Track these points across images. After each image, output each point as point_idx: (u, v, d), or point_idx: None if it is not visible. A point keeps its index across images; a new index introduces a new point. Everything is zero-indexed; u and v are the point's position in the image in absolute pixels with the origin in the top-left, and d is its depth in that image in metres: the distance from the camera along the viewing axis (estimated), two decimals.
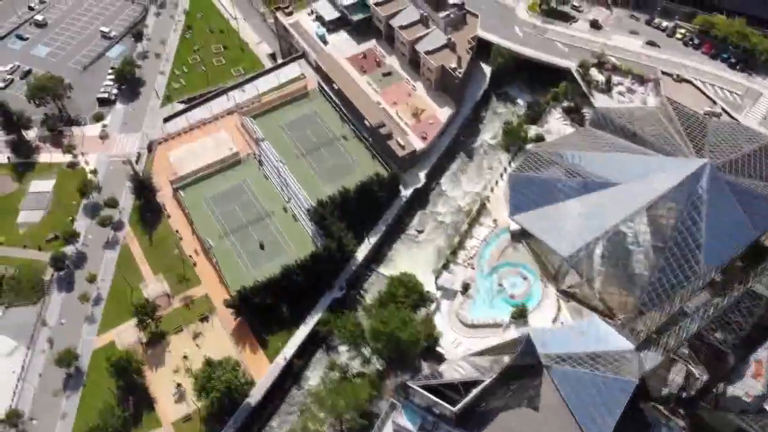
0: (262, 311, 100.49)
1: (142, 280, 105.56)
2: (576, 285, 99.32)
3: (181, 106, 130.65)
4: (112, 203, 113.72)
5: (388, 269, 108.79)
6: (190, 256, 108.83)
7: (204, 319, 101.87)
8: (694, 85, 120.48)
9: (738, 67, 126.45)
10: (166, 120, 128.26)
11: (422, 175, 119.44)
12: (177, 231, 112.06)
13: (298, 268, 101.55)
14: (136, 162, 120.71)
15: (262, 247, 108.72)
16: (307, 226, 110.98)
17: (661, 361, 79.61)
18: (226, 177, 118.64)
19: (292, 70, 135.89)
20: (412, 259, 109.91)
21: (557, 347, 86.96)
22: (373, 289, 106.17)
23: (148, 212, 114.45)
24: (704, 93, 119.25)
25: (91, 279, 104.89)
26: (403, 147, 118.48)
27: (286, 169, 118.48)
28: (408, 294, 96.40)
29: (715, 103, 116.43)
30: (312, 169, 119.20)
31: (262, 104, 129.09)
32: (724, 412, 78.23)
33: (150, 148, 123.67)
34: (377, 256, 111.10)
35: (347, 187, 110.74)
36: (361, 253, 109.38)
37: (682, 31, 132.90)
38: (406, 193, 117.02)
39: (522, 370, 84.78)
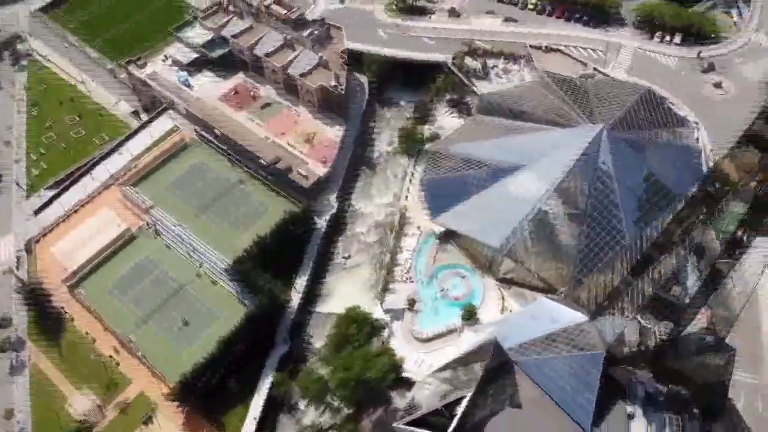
0: (210, 392, 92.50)
1: (65, 399, 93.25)
2: (512, 270, 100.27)
3: (51, 193, 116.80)
4: (4, 323, 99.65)
5: (328, 306, 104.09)
6: (110, 356, 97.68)
7: (147, 420, 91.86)
8: (561, 51, 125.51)
9: (592, 24, 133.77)
10: (37, 212, 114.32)
11: (333, 200, 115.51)
12: (87, 333, 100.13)
13: (235, 335, 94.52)
14: (17, 268, 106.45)
15: (186, 323, 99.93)
16: (230, 287, 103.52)
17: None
18: (124, 258, 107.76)
19: (163, 124, 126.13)
20: (349, 288, 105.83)
21: (517, 338, 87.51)
22: (319, 333, 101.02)
23: (48, 321, 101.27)
24: (572, 57, 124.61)
25: (8, 415, 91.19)
26: (306, 177, 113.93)
27: (187, 232, 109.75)
28: (360, 328, 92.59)
29: (585, 64, 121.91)
30: (216, 224, 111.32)
31: (140, 169, 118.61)
32: (686, 355, 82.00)
33: (28, 249, 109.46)
34: (312, 296, 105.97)
35: (260, 233, 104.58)
36: (295, 297, 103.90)
37: (533, 1, 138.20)
38: (322, 222, 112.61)
39: (494, 372, 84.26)
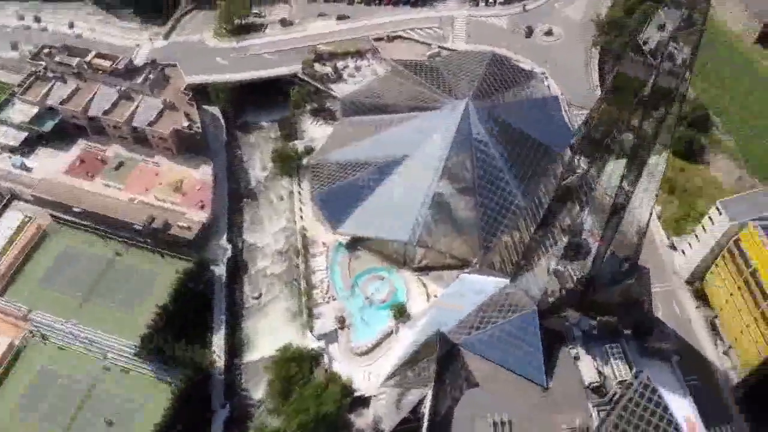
0: None
1: None
2: (425, 257, 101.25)
3: None
4: None
5: (256, 352, 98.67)
6: None
7: None
8: (403, 37, 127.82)
9: (420, 3, 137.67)
10: None
11: (224, 242, 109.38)
12: None
13: (169, 418, 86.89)
14: None
15: (110, 423, 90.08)
16: (145, 369, 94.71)
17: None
18: (18, 375, 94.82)
19: (11, 218, 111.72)
20: (271, 327, 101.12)
21: (451, 320, 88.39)
22: (255, 384, 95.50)
23: None
24: (415, 40, 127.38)
25: None
26: (188, 228, 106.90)
27: (78, 326, 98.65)
28: (299, 365, 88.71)
29: (429, 45, 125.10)
30: (107, 308, 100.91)
31: (1, 275, 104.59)
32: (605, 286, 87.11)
33: None
34: (235, 348, 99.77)
35: (159, 303, 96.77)
36: (219, 356, 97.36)
37: None
38: (220, 270, 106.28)
39: (443, 360, 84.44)
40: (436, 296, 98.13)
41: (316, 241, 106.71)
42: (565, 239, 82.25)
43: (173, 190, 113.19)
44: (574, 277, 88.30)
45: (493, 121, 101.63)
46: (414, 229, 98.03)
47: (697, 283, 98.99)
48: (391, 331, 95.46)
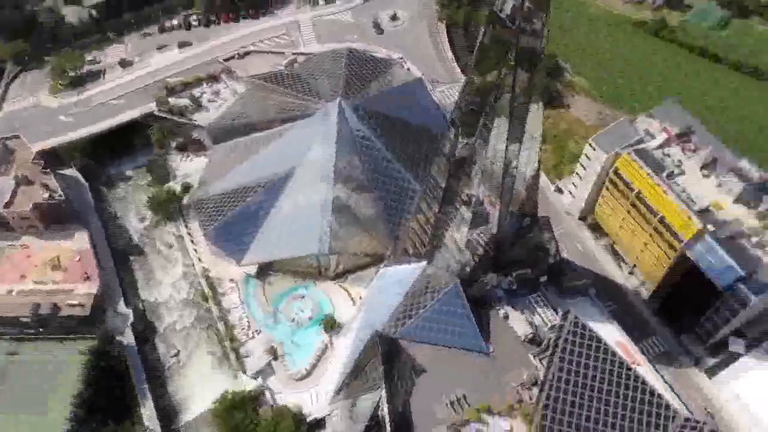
0: None
1: None
2: (340, 263, 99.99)
3: None
4: None
5: (192, 410, 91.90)
6: None
7: None
8: (254, 51, 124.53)
9: (260, 14, 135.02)
10: None
11: (123, 308, 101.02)
12: None
13: None
14: None
15: None
16: None
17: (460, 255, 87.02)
18: None
19: None
20: (200, 382, 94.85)
21: (384, 317, 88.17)
22: None
23: None
24: (267, 51, 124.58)
25: None
26: (81, 305, 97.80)
27: None
28: (243, 411, 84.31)
29: (284, 53, 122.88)
30: (15, 415, 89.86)
31: None
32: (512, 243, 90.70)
33: None
34: (168, 414, 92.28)
35: (72, 393, 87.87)
36: (151, 428, 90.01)
37: (195, 18, 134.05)
38: (127, 338, 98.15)
39: (387, 359, 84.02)
40: (360, 298, 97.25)
41: (222, 279, 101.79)
42: (468, 211, 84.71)
43: (51, 269, 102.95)
44: (483, 244, 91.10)
45: (368, 115, 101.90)
46: (321, 239, 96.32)
47: (589, 218, 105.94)
48: (327, 346, 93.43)
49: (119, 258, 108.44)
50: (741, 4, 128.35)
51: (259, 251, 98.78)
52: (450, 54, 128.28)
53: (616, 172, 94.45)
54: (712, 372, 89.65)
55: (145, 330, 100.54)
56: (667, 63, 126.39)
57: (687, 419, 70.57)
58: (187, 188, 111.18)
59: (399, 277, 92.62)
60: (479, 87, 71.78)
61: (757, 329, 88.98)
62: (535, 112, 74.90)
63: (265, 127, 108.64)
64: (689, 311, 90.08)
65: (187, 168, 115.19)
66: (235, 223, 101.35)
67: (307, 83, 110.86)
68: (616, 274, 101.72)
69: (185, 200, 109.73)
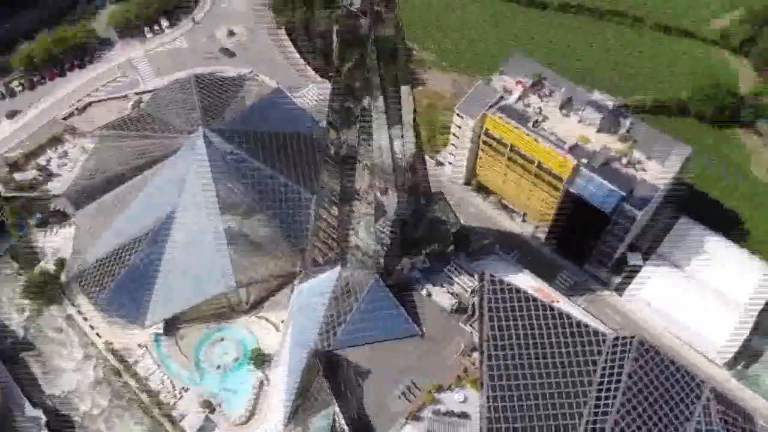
0: None
1: None
2: (252, 291, 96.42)
3: None
4: None
5: None
6: None
7: None
8: (95, 102, 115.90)
9: (86, 62, 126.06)
10: None
11: (31, 411, 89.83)
12: None
13: None
14: None
15: None
16: None
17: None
18: None
19: None
20: None
21: (313, 333, 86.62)
22: None
23: None
24: (109, 98, 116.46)
25: None
26: None
27: None
28: None
29: (126, 96, 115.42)
30: None
31: None
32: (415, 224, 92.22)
33: None
34: None
35: None
36: None
37: (16, 83, 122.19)
38: None
39: (330, 373, 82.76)
40: (282, 322, 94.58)
41: (130, 348, 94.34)
42: (365, 205, 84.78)
43: None
44: (387, 232, 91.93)
45: (237, 136, 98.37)
46: (225, 276, 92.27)
47: (473, 182, 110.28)
48: (262, 382, 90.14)
49: (8, 358, 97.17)
50: None
51: (160, 308, 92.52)
52: (298, 57, 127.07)
53: (486, 133, 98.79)
54: (620, 289, 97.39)
55: (63, 426, 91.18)
56: (501, 19, 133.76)
57: (615, 338, 76.00)
58: (61, 264, 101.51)
59: (317, 289, 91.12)
60: (347, 86, 71.58)
61: (647, 239, 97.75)
62: (405, 94, 76.03)
63: (130, 176, 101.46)
64: (585, 240, 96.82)
65: (55, 243, 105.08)
66: (126, 285, 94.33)
67: (161, 121, 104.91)
68: (512, 225, 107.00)
69: (63, 277, 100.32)
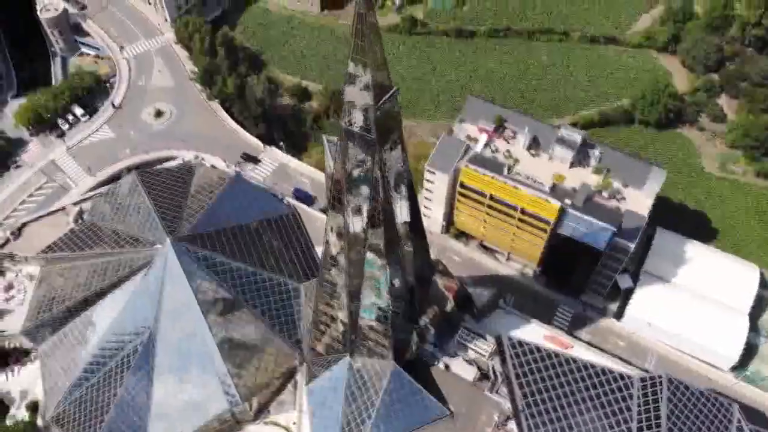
0: None
1: None
2: (255, 400, 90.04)
3: None
4: None
5: None
6: None
7: None
8: (27, 222, 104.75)
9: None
10: None
11: None
12: None
13: None
14: None
15: None
16: None
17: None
18: None
19: None
20: None
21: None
22: None
23: None
24: (45, 214, 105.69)
25: None
26: None
27: None
28: None
29: (64, 209, 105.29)
30: None
31: None
32: None
33: None
34: None
35: None
36: None
37: None
38: None
39: None
40: (294, 423, 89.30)
41: None
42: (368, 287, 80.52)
43: None
44: (392, 309, 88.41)
45: (208, 239, 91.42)
46: (228, 392, 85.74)
47: (451, 229, 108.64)
48: None
49: None
50: None
51: None
52: (237, 127, 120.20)
53: (462, 185, 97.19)
54: (619, 315, 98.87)
55: None
56: (433, 54, 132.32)
57: (642, 379, 76.77)
58: (34, 407, 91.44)
59: (328, 385, 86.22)
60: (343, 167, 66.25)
61: (634, 261, 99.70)
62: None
63: (92, 302, 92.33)
64: (578, 273, 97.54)
65: (22, 384, 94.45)
66: (117, 422, 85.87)
67: (113, 232, 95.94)
68: (498, 267, 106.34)
69: (39, 422, 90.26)
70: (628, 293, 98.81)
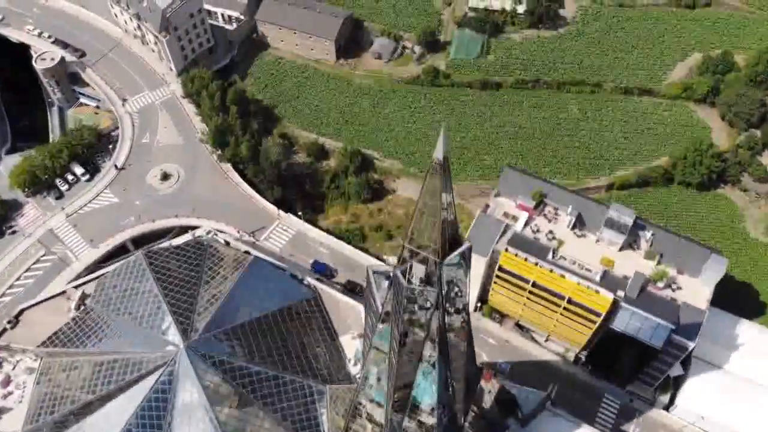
0: None
1: None
2: None
3: None
4: None
5: None
6: None
7: None
8: (26, 308, 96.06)
9: None
10: None
11: None
12: None
13: None
14: None
15: None
16: None
17: None
18: None
19: None
20: None
21: None
22: None
23: None
24: (42, 300, 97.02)
25: None
26: None
27: None
28: None
29: (64, 292, 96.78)
30: None
31: None
32: None
33: None
34: None
35: None
36: None
37: None
38: None
39: None
40: None
41: None
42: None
43: None
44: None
45: (226, 341, 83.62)
46: None
47: (484, 307, 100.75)
48: None
49: None
50: (493, 21, 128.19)
51: None
52: (252, 192, 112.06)
53: (501, 269, 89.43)
54: (668, 406, 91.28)
55: None
56: (456, 107, 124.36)
57: None
58: None
59: None
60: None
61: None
62: None
63: (99, 406, 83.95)
64: (628, 365, 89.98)
65: None
66: None
67: (118, 326, 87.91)
68: (537, 350, 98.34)
69: None
70: (678, 381, 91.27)
